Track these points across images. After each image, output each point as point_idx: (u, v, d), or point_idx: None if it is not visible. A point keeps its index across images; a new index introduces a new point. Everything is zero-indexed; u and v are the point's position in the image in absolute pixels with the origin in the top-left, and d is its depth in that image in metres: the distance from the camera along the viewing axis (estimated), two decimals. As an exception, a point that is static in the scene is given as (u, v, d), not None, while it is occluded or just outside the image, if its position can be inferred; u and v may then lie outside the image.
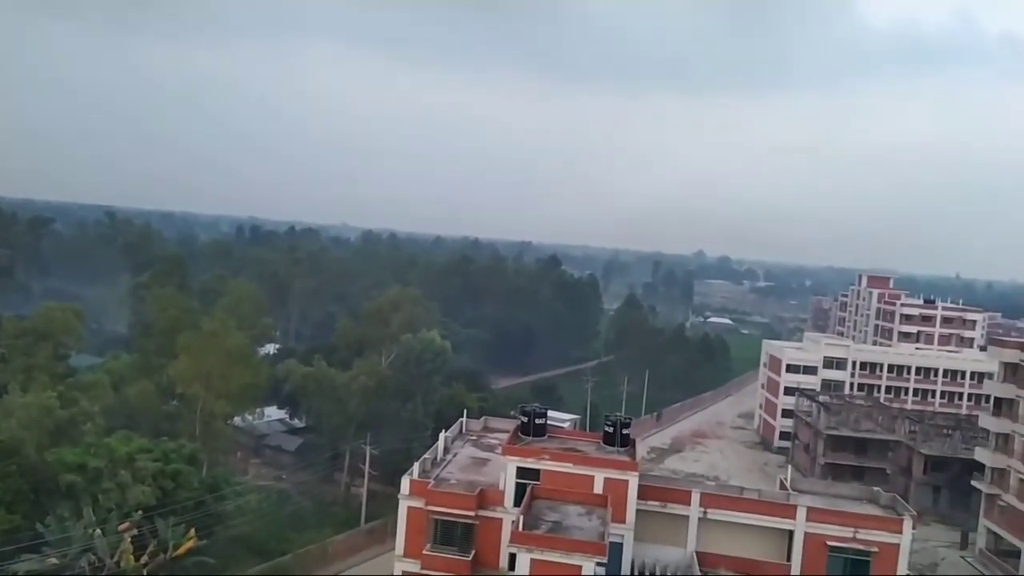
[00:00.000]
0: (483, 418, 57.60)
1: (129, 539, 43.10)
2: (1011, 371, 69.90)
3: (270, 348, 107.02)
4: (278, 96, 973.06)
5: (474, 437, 53.20)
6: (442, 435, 49.59)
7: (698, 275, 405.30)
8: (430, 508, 40.98)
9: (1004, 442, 69.63)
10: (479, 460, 48.19)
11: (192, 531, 46.08)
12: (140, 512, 45.03)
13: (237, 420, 76.60)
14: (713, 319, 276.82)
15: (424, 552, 40.75)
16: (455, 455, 48.70)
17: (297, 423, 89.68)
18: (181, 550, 44.92)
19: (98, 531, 42.48)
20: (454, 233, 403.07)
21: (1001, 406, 70.72)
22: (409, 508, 42.13)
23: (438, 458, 47.31)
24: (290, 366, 79.98)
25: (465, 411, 57.80)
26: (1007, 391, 69.57)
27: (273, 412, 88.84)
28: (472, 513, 40.70)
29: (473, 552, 40.63)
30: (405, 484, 42.56)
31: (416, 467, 43.73)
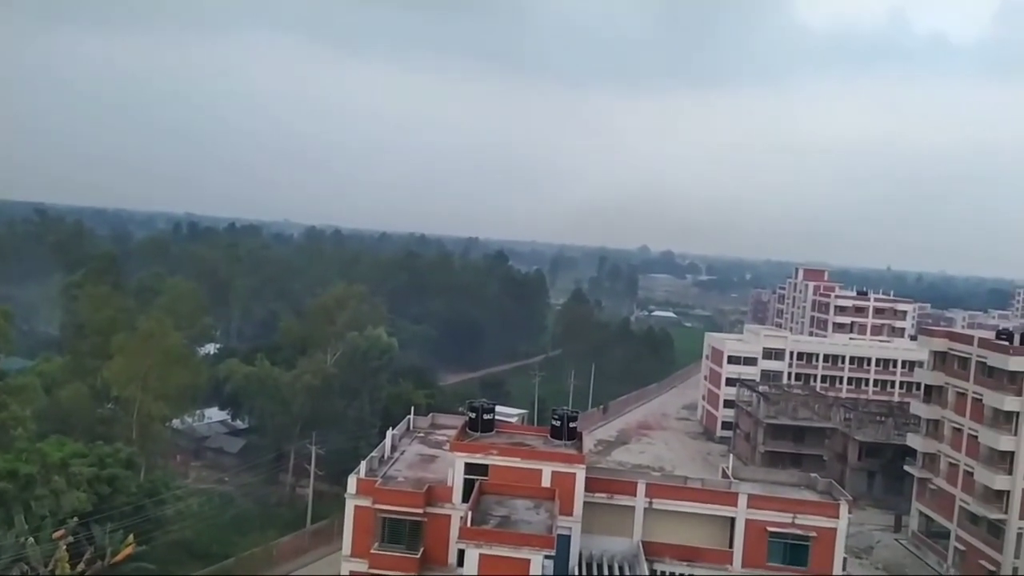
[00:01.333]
0: (431, 415, 57.40)
1: (64, 547, 41.53)
2: (940, 359, 72.86)
3: (210, 348, 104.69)
4: (217, 90, 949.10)
5: (422, 434, 53.00)
6: (389, 433, 49.28)
7: (642, 269, 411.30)
8: (377, 506, 40.69)
9: (934, 428, 72.59)
10: (427, 457, 48.04)
11: (131, 537, 44.69)
12: (75, 519, 43.48)
13: (176, 422, 74.93)
14: (657, 312, 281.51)
15: (372, 551, 40.43)
16: (403, 453, 48.46)
17: (239, 424, 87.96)
18: (119, 557, 43.60)
19: (31, 539, 40.89)
20: (400, 229, 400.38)
21: (931, 393, 73.62)
22: (356, 507, 41.75)
23: (385, 456, 47.01)
24: (231, 366, 78.36)
25: (412, 408, 57.45)
26: (936, 379, 72.47)
27: (214, 413, 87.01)
28: (420, 510, 40.55)
29: (422, 550, 40.49)
30: (352, 483, 42.17)
31: (363, 466, 43.35)
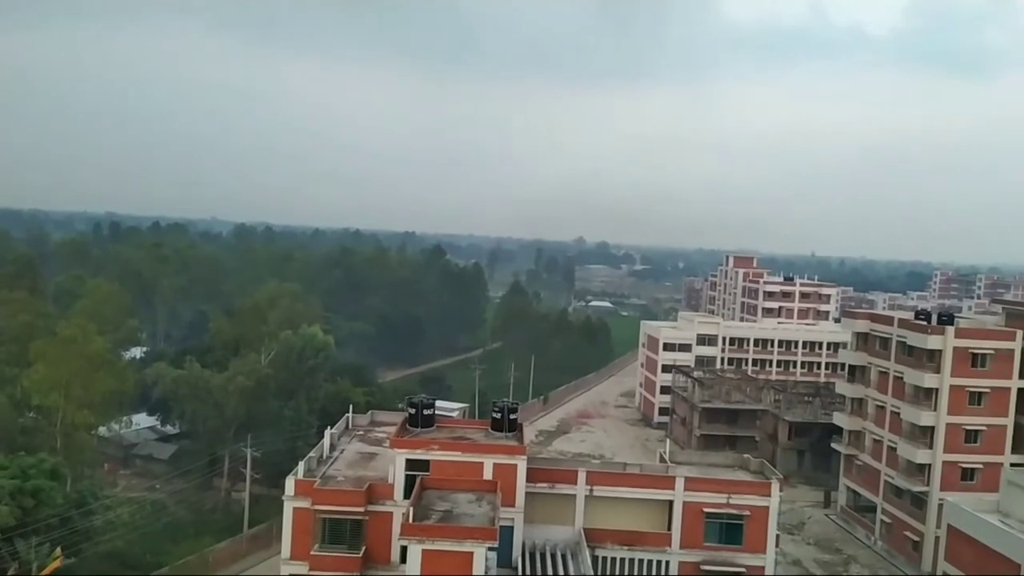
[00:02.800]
0: (370, 412, 56.89)
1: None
2: (862, 340, 75.91)
3: (136, 352, 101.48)
4: (134, 83, 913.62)
5: (361, 432, 52.39)
6: (327, 432, 48.55)
7: (579, 261, 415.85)
8: (316, 507, 40.05)
9: (859, 406, 75.64)
10: (367, 455, 47.52)
11: (58, 550, 43.18)
12: (-3, 534, 41.62)
13: (102, 430, 72.31)
14: (594, 303, 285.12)
15: (312, 553, 39.82)
16: (342, 452, 47.81)
17: (170, 430, 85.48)
18: (46, 570, 42.05)
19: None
20: (334, 225, 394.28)
21: (855, 373, 76.65)
22: (294, 509, 41.04)
23: (324, 456, 46.31)
24: (159, 370, 75.88)
25: (351, 406, 56.78)
26: (859, 359, 75.47)
27: (142, 420, 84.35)
28: (361, 509, 40.13)
29: (363, 548, 40.10)
30: (289, 484, 41.41)
31: (301, 466, 42.60)
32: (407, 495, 39.80)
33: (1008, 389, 64.44)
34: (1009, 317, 68.76)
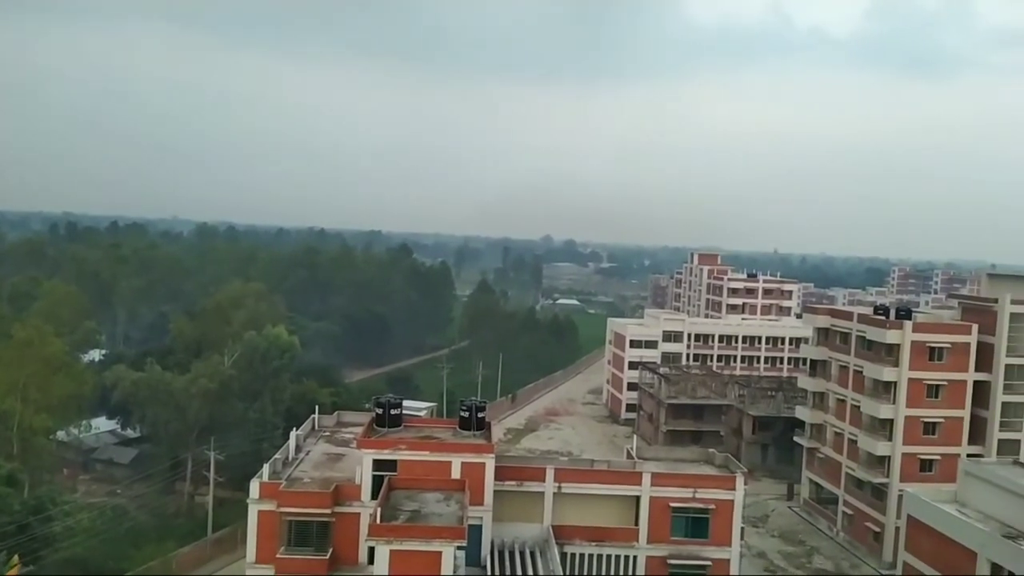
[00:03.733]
0: (336, 413, 56.40)
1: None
2: (823, 335, 77.27)
3: (95, 354, 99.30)
4: (92, 81, 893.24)
5: (328, 433, 51.93)
6: (293, 433, 48.00)
7: (546, 259, 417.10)
8: (282, 510, 39.58)
9: (820, 400, 77.02)
10: (334, 456, 47.10)
11: (16, 558, 42.06)
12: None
13: (61, 434, 70.73)
14: (561, 301, 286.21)
15: (277, 556, 39.31)
16: (308, 453, 47.31)
17: (131, 433, 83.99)
18: (1, 581, 40.87)
19: None
20: (298, 224, 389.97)
21: (816, 367, 78.01)
22: (259, 512, 40.47)
23: (289, 458, 45.78)
24: (119, 372, 74.30)
25: (317, 407, 56.21)
26: (820, 353, 76.83)
27: (102, 423, 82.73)
28: (328, 510, 39.75)
29: (330, 550, 39.69)
30: (254, 487, 40.82)
31: (266, 469, 42.02)
32: (375, 495, 39.51)
33: (964, 382, 66.10)
34: (965, 312, 70.53)
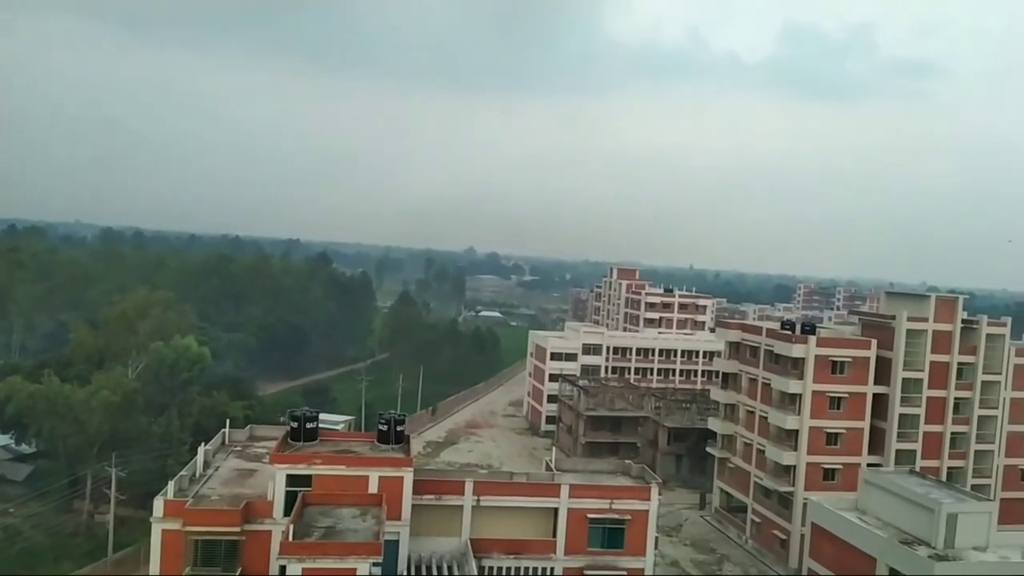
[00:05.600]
0: (249, 427, 54.57)
1: None
2: (734, 349, 79.91)
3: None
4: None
5: (239, 448, 50.15)
6: (201, 449, 46.11)
7: (469, 271, 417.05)
8: (188, 528, 37.92)
9: (731, 412, 79.51)
10: (245, 472, 45.50)
11: None
12: None
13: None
14: (484, 313, 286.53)
15: (183, 576, 37.66)
16: (217, 469, 45.55)
17: (26, 448, 78.99)
18: None
19: None
20: (211, 231, 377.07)
21: (728, 380, 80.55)
22: (164, 531, 38.66)
23: (197, 474, 43.96)
24: (13, 384, 69.95)
25: (228, 421, 54.31)
26: (732, 367, 79.41)
27: (-7, 439, 77.44)
28: (237, 528, 38.32)
29: (239, 570, 38.27)
30: (159, 505, 39.02)
31: (171, 486, 40.22)
32: (288, 512, 38.40)
33: (864, 394, 69.50)
34: (865, 327, 74.30)
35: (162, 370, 72.38)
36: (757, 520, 73.65)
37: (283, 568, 34.15)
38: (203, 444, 47.00)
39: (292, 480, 39.97)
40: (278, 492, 39.62)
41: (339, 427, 67.20)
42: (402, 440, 45.64)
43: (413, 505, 41.34)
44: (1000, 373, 72.17)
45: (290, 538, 34.29)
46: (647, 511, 45.85)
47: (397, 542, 40.14)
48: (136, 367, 72.24)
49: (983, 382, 71.47)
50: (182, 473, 42.92)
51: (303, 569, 33.37)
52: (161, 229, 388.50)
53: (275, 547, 37.30)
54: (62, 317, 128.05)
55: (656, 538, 46.85)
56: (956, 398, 71.08)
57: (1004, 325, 73.11)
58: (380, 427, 45.93)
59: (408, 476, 41.26)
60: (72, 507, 67.88)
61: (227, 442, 50.79)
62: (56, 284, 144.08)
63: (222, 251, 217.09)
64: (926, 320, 69.85)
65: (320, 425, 46.75)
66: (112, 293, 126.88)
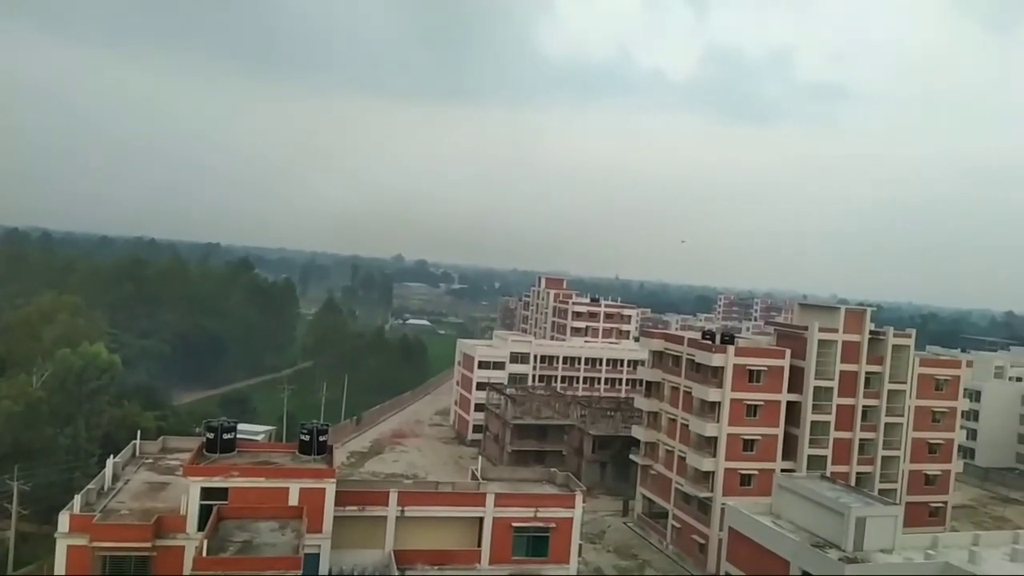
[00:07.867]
0: (161, 438, 52.51)
1: None
2: (658, 358, 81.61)
3: None
4: None
5: (151, 460, 48.16)
6: (110, 461, 44.08)
7: (397, 278, 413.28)
8: (95, 544, 36.12)
9: (654, 419, 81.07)
10: (157, 485, 43.70)
11: None
12: None
13: None
14: (412, 321, 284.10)
15: (89, 596, 35.80)
16: (127, 482, 43.59)
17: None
18: None
19: None
20: (124, 233, 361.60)
21: (651, 388, 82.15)
22: (69, 547, 36.80)
23: (106, 487, 41.99)
24: (-98, 394, 65.28)
25: (139, 432, 52.19)
26: (655, 375, 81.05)
27: None
28: (147, 544, 36.72)
29: (150, 587, 36.67)
30: (63, 520, 37.09)
31: (77, 500, 38.29)
32: (202, 527, 37.03)
33: (779, 402, 72.04)
34: (779, 337, 77.11)
35: (69, 378, 68.98)
36: (678, 525, 75.24)
37: (196, 585, 32.87)
38: (112, 456, 45.04)
39: (207, 493, 38.61)
40: (192, 506, 38.21)
41: (259, 438, 65.26)
42: (325, 450, 44.70)
43: (335, 517, 40.53)
44: (905, 382, 76.04)
45: (204, 553, 33.08)
46: (571, 519, 46.23)
47: (318, 555, 39.26)
48: (41, 375, 68.67)
49: (889, 391, 75.15)
50: (89, 486, 40.97)
51: (218, 585, 32.17)
52: (71, 230, 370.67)
53: (188, 563, 35.92)
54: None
55: (580, 545, 47.30)
56: (864, 406, 74.50)
57: (909, 336, 77.13)
58: (302, 437, 44.89)
59: (330, 487, 40.44)
60: (-33, 524, 63.74)
61: (138, 454, 48.78)
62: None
63: (136, 254, 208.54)
64: (836, 331, 73.00)
65: (239, 436, 45.40)
66: (16, 297, 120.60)
